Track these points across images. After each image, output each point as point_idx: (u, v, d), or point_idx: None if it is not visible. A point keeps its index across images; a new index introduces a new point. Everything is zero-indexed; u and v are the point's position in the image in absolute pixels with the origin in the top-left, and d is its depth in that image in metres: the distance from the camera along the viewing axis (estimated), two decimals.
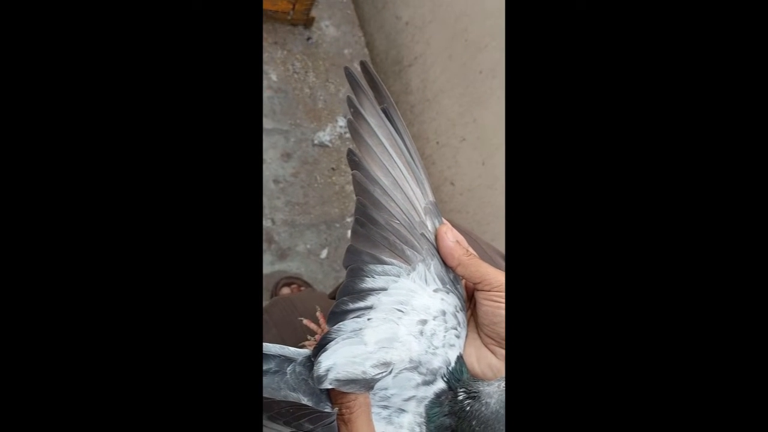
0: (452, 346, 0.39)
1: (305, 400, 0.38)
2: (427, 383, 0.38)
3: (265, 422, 0.37)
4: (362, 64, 0.41)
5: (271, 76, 1.48)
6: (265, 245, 1.32)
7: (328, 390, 0.38)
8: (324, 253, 1.39)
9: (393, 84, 1.49)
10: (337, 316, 0.38)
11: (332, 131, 1.50)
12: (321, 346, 0.37)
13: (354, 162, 0.39)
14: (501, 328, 0.39)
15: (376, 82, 0.40)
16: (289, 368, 0.38)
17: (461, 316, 0.41)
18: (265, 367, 0.38)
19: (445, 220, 0.42)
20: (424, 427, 0.38)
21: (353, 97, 0.40)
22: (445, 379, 0.38)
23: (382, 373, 0.37)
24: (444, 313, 0.39)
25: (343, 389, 0.37)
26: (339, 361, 0.37)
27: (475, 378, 0.39)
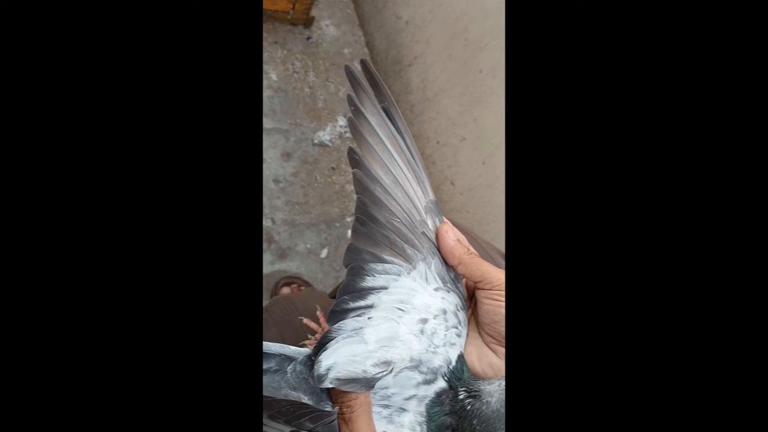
0: (453, 344, 0.39)
1: (306, 399, 0.37)
2: (427, 382, 0.38)
3: (265, 421, 0.37)
4: (363, 62, 0.41)
5: (271, 75, 1.48)
6: (265, 245, 1.32)
7: (328, 389, 0.38)
8: (324, 253, 1.39)
9: (393, 83, 1.48)
10: (337, 315, 0.38)
11: (332, 131, 1.50)
12: (321, 345, 0.37)
13: (354, 160, 0.39)
14: (502, 327, 0.38)
15: (377, 80, 0.40)
16: (289, 367, 0.38)
17: (462, 314, 0.40)
18: (265, 366, 0.38)
19: (445, 219, 0.42)
20: (424, 426, 0.38)
21: (354, 95, 0.40)
22: (445, 378, 0.38)
23: (382, 372, 0.37)
24: (445, 311, 0.39)
25: (344, 388, 0.36)
26: (339, 360, 0.37)
27: (476, 377, 0.39)
